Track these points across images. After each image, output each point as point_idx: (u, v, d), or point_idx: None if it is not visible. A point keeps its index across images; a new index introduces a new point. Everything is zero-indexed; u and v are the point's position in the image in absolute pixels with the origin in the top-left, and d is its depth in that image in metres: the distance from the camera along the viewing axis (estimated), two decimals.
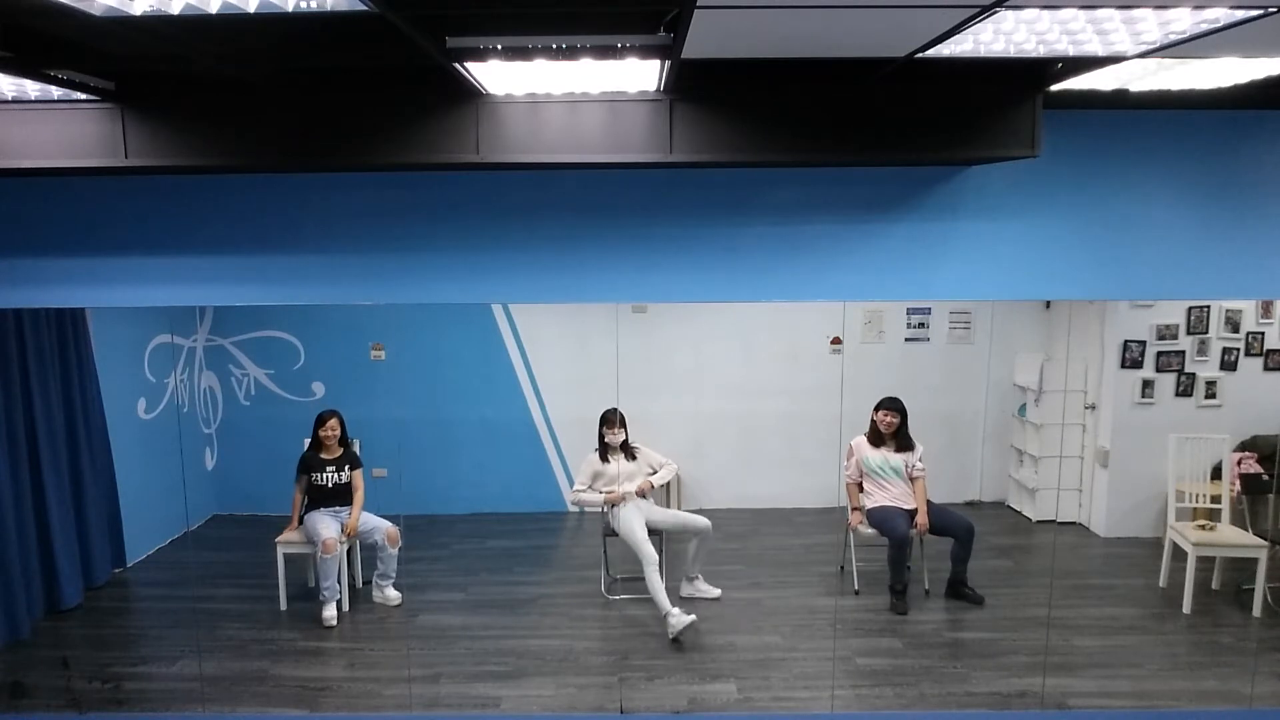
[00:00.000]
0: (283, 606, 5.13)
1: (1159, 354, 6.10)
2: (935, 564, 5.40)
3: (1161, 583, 5.39)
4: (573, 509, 6.96)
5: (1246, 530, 5.26)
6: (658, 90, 2.94)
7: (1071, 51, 2.42)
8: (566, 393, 6.83)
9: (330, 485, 5.25)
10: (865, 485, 5.43)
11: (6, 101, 2.99)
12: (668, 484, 6.51)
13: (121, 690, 4.30)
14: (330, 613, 4.97)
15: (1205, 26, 2.12)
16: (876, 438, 5.40)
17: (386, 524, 5.28)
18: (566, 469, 6.94)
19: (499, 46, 2.37)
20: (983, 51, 2.40)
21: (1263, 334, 6.08)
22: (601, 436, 5.36)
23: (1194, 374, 6.11)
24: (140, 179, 3.48)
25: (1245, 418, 6.01)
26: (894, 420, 5.34)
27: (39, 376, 4.91)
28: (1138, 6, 1.98)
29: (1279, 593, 5.04)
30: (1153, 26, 2.15)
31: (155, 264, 3.54)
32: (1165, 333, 6.09)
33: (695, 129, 3.03)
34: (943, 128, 3.08)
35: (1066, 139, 3.42)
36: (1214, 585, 5.33)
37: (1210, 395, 6.12)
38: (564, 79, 2.76)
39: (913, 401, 5.46)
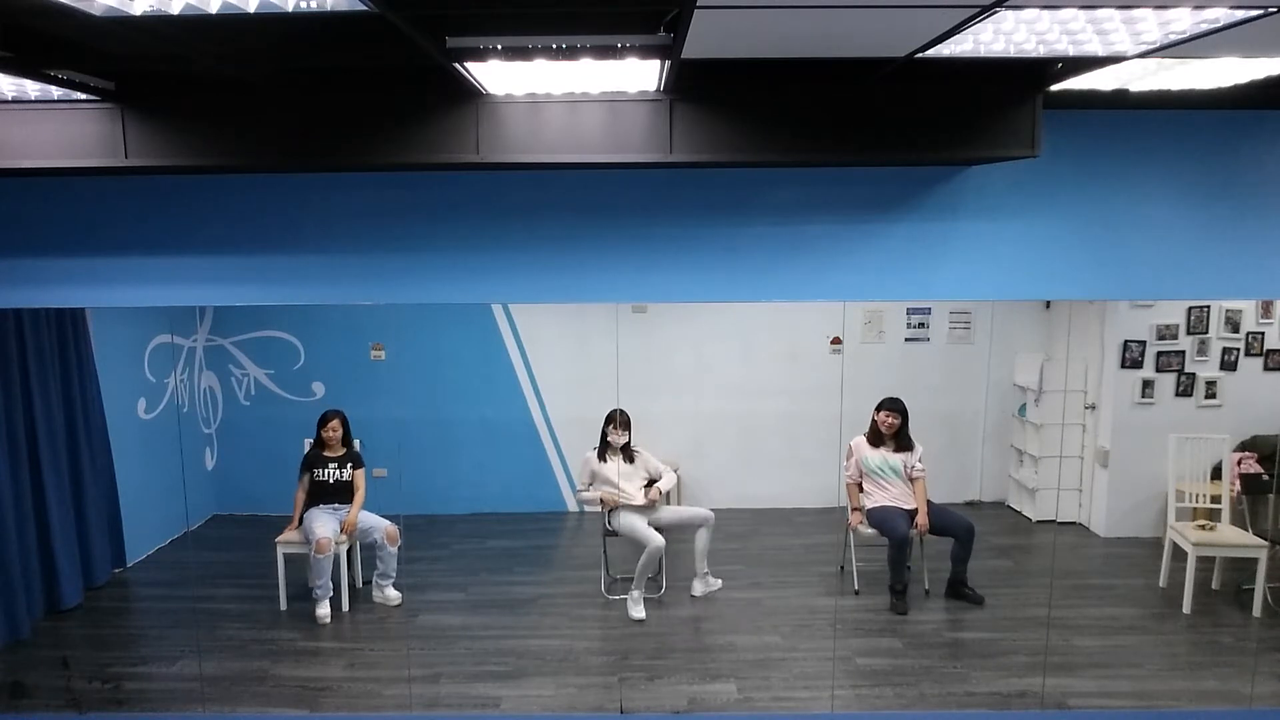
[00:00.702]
0: (283, 606, 5.13)
1: (1159, 354, 6.10)
2: (935, 564, 5.40)
3: (1161, 583, 5.39)
4: (573, 509, 6.97)
5: (1246, 530, 5.26)
6: (658, 90, 2.94)
7: (1071, 51, 2.42)
8: (566, 393, 6.83)
9: (331, 481, 5.26)
10: (865, 485, 5.43)
11: (6, 101, 2.99)
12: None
13: (121, 690, 4.30)
14: (323, 611, 4.98)
15: (1205, 26, 2.12)
16: (876, 438, 5.40)
17: (385, 523, 5.28)
18: (566, 469, 6.94)
19: (499, 46, 2.37)
20: (983, 51, 2.40)
21: (1263, 334, 6.08)
22: (604, 435, 5.34)
23: (1194, 374, 6.11)
24: (140, 179, 3.48)
25: (1245, 418, 6.01)
26: (895, 421, 5.34)
27: (39, 376, 4.91)
28: (1138, 6, 1.98)
29: (1279, 593, 5.04)
30: (1153, 26, 2.15)
31: (155, 264, 3.54)
32: (1165, 333, 6.09)
33: (695, 129, 3.03)
34: (943, 128, 3.07)
35: (1066, 139, 3.42)
36: (1214, 585, 5.33)
37: (1210, 395, 6.12)
38: (564, 79, 2.76)
39: (913, 401, 5.46)
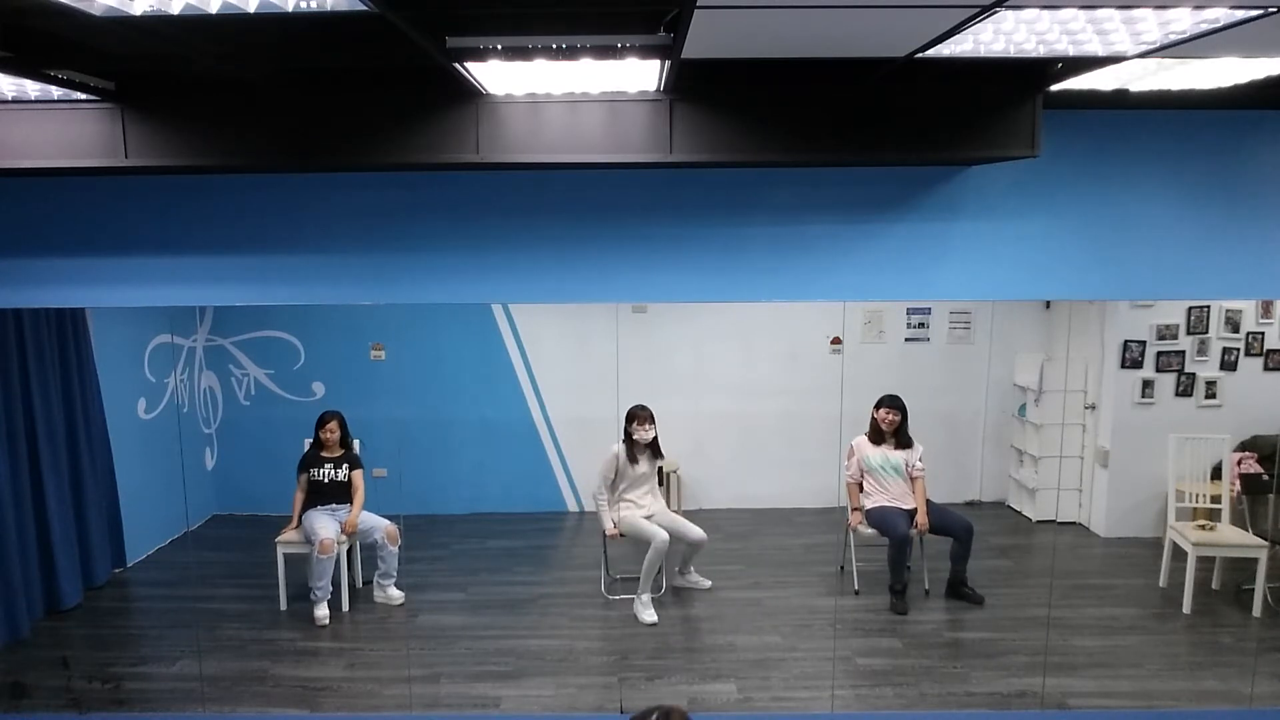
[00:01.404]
0: (283, 606, 5.13)
1: (1159, 354, 6.10)
2: (935, 564, 5.40)
3: (1161, 583, 5.39)
4: (573, 509, 6.97)
5: (1246, 530, 5.25)
6: (658, 90, 2.94)
7: (1071, 51, 2.42)
8: (566, 393, 6.83)
9: (327, 481, 5.26)
10: (865, 485, 5.43)
11: (6, 101, 2.99)
12: (668, 484, 6.52)
13: (121, 690, 4.30)
14: (322, 612, 4.98)
15: (1205, 26, 2.12)
16: (877, 436, 5.40)
17: (386, 523, 5.28)
18: (566, 469, 6.94)
19: (499, 46, 2.37)
20: (983, 51, 2.40)
21: (1263, 334, 6.08)
22: (629, 433, 5.22)
23: (1194, 374, 6.11)
24: (140, 179, 3.48)
25: (1245, 418, 6.01)
26: (895, 418, 5.35)
27: (39, 376, 4.91)
28: (1138, 6, 1.98)
29: (1279, 593, 5.04)
30: (1153, 26, 2.15)
31: (155, 264, 3.54)
32: (1165, 333, 6.09)
33: (695, 129, 3.03)
34: (943, 128, 3.08)
35: (1066, 139, 3.42)
36: (1214, 585, 5.33)
37: (1210, 395, 6.12)
38: (564, 79, 2.76)
39: (913, 401, 5.46)
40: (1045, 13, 2.05)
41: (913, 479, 5.34)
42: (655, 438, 5.28)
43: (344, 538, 5.18)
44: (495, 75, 2.70)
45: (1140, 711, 4.06)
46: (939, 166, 3.47)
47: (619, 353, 6.50)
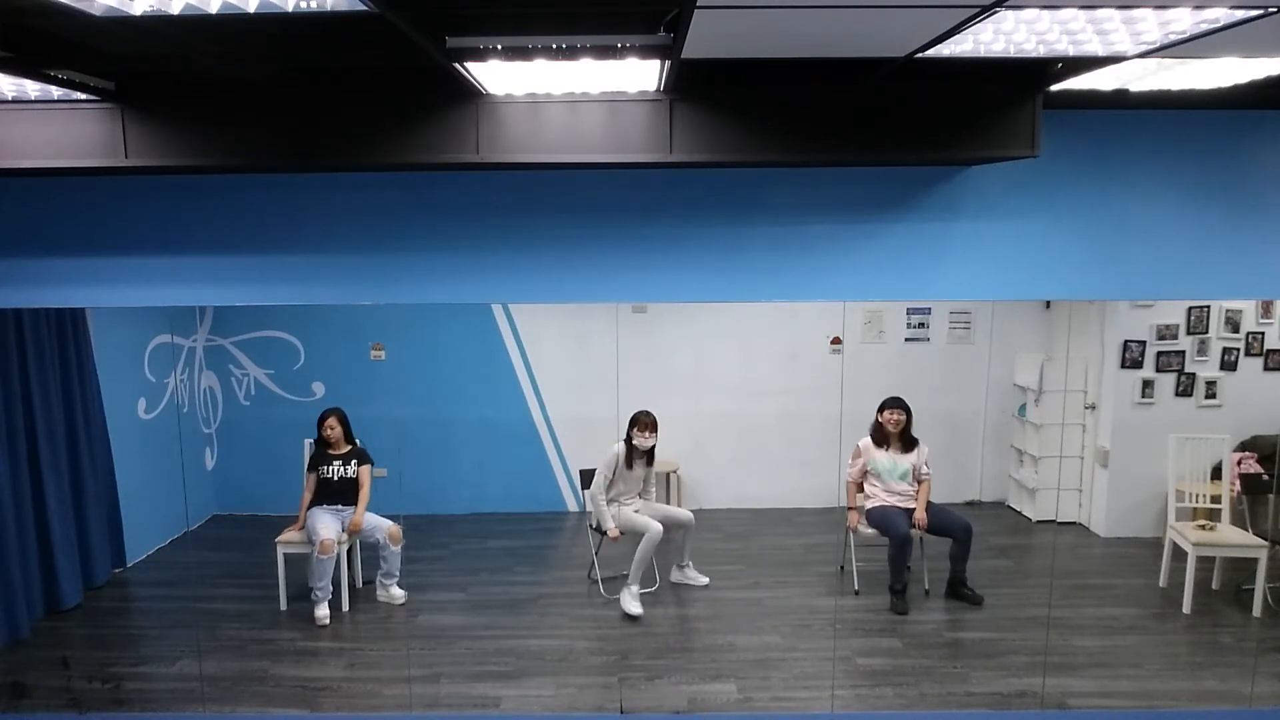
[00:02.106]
0: (283, 606, 5.13)
1: (1159, 354, 6.10)
2: (935, 564, 5.40)
3: (1161, 583, 5.39)
4: (573, 509, 6.97)
5: (1246, 530, 5.25)
6: (658, 90, 2.94)
7: (1071, 51, 2.42)
8: (566, 393, 6.83)
9: (336, 479, 5.26)
10: (866, 486, 5.43)
11: (6, 101, 2.99)
12: (666, 482, 6.52)
13: (121, 690, 4.30)
14: (322, 612, 4.98)
15: (1205, 26, 2.12)
16: (881, 438, 5.40)
17: (388, 523, 5.28)
18: (566, 469, 6.94)
19: (499, 46, 2.37)
20: (983, 51, 2.40)
21: (1263, 334, 6.08)
22: (630, 438, 5.24)
23: (1194, 374, 6.11)
24: (140, 179, 3.48)
25: (1245, 418, 6.01)
26: (901, 419, 5.34)
27: (39, 376, 4.91)
28: (1138, 6, 1.98)
29: (1279, 593, 5.04)
30: (1153, 26, 2.15)
31: (155, 264, 3.54)
32: (1165, 333, 6.09)
33: (695, 129, 3.03)
34: (943, 128, 3.07)
35: (1066, 139, 3.42)
36: (1214, 585, 5.33)
37: (1210, 395, 6.12)
38: (564, 79, 2.76)
39: (913, 401, 5.45)
40: (1045, 13, 2.05)
41: (919, 482, 5.33)
42: (653, 447, 5.29)
43: (344, 538, 5.18)
44: (495, 75, 2.70)
45: (1140, 711, 4.06)
46: (939, 166, 3.47)
47: (619, 353, 6.50)
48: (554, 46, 2.37)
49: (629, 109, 3.01)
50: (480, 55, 2.43)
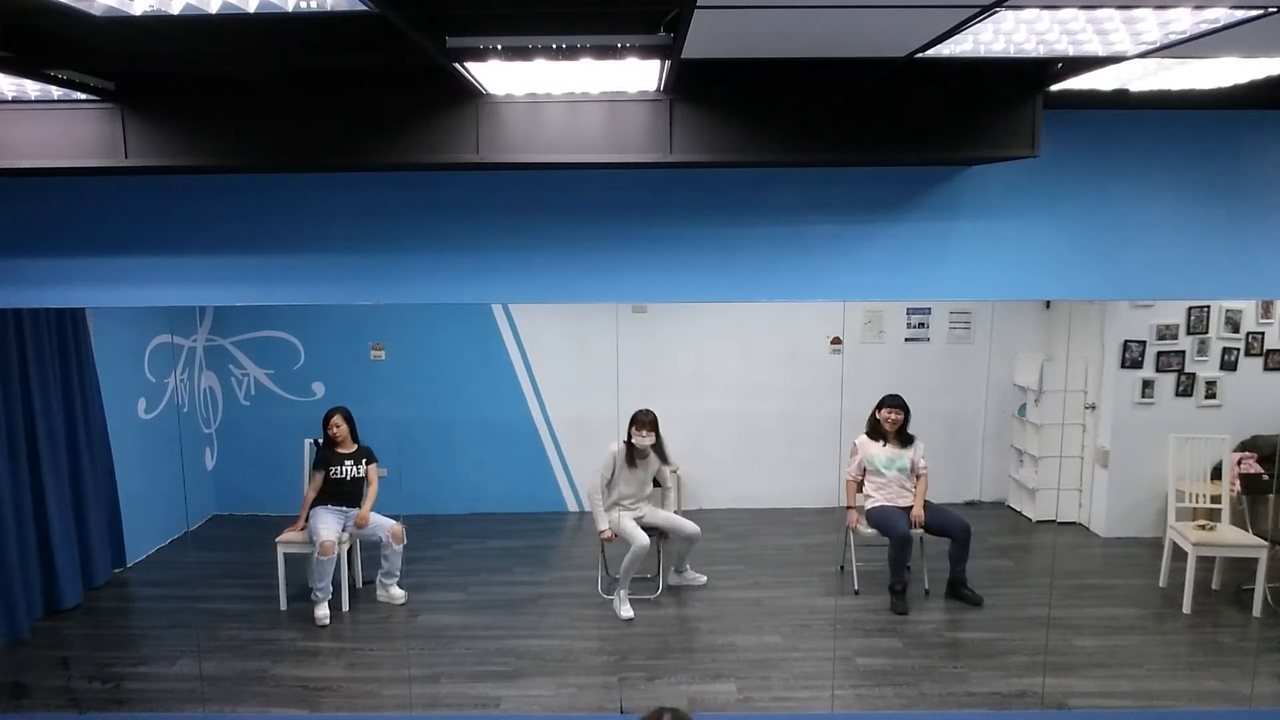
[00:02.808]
0: (283, 606, 5.13)
1: (1159, 354, 6.10)
2: (935, 564, 5.40)
3: (1161, 583, 5.39)
4: (573, 509, 6.97)
5: (1246, 530, 5.26)
6: (658, 90, 2.94)
7: (1071, 51, 2.42)
8: (566, 393, 6.83)
9: (348, 479, 5.27)
10: (865, 485, 5.44)
11: (6, 101, 2.99)
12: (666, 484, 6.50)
13: (121, 690, 4.30)
14: (323, 612, 4.98)
15: (1205, 26, 2.12)
16: (877, 434, 5.41)
17: (391, 522, 5.28)
18: (566, 469, 6.94)
19: (499, 46, 2.37)
20: (983, 51, 2.40)
21: (1263, 334, 6.08)
22: (629, 437, 5.23)
23: (1194, 374, 6.11)
24: (140, 179, 3.48)
25: (1245, 418, 6.01)
26: (898, 417, 5.35)
27: (39, 376, 4.91)
28: (1138, 6, 1.98)
29: (1279, 593, 5.04)
30: (1153, 26, 2.15)
31: (155, 264, 3.54)
32: (1165, 333, 6.09)
33: (695, 129, 3.03)
34: (943, 128, 3.07)
35: (1066, 139, 3.42)
36: (1214, 585, 5.33)
37: (1210, 395, 6.12)
38: (564, 79, 2.75)
39: (913, 401, 5.46)
40: (1045, 13, 2.05)
41: (917, 476, 5.34)
42: (660, 443, 5.26)
43: (346, 538, 5.18)
44: (495, 75, 2.70)
45: (1140, 711, 4.06)
46: (939, 166, 3.47)
47: (619, 353, 6.50)
48: (554, 46, 2.36)
49: (629, 109, 3.01)
50: (480, 55, 2.43)
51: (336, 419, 5.31)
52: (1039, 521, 6.59)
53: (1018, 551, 6.16)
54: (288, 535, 5.20)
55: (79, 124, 3.03)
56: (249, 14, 1.96)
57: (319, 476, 5.28)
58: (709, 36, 2.24)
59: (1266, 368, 6.11)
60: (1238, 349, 6.10)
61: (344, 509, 5.26)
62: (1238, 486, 5.44)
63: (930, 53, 2.41)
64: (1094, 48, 2.37)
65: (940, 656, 4.56)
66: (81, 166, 3.08)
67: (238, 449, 6.87)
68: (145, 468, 5.94)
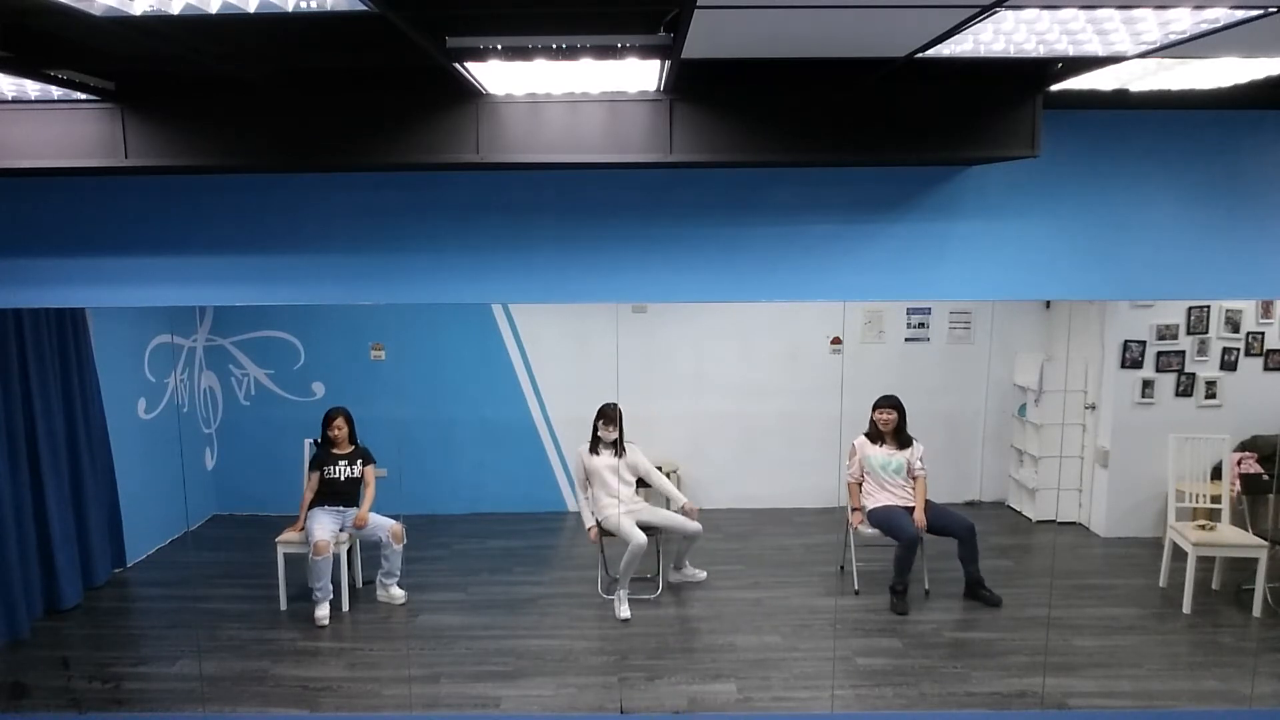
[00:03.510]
0: (283, 606, 5.13)
1: (1159, 354, 6.10)
2: (935, 564, 5.40)
3: (1161, 583, 5.39)
4: (573, 509, 6.97)
5: (1246, 530, 5.26)
6: (658, 90, 2.94)
7: (1071, 51, 2.42)
8: (566, 393, 6.83)
9: (343, 479, 5.27)
10: (865, 485, 5.44)
11: (6, 101, 2.99)
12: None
13: (121, 690, 4.30)
14: (322, 612, 4.98)
15: (1205, 26, 2.12)
16: (876, 436, 5.41)
17: (391, 522, 5.28)
18: (566, 469, 6.94)
19: (499, 46, 2.37)
20: (983, 51, 2.40)
21: (1263, 334, 6.08)
22: (595, 430, 5.32)
23: (1194, 374, 6.11)
24: (140, 179, 3.49)
25: (1245, 418, 6.01)
26: (891, 418, 5.36)
27: (39, 376, 4.91)
28: (1138, 6, 1.98)
29: (1279, 593, 5.04)
30: (1153, 26, 2.15)
31: (155, 264, 3.54)
32: (1165, 333, 6.09)
33: (695, 129, 3.03)
34: (943, 128, 3.07)
35: (1066, 139, 3.42)
36: (1214, 585, 5.33)
37: (1210, 395, 6.12)
38: (564, 79, 2.76)
39: (913, 401, 5.46)
40: (1045, 13, 2.05)
41: (914, 477, 5.34)
42: (618, 439, 5.26)
43: (343, 537, 5.18)
44: (495, 75, 2.70)
45: (1140, 711, 4.06)
46: (939, 166, 3.47)
47: (619, 353, 6.50)
48: (554, 46, 2.37)
49: (629, 109, 3.02)
50: (480, 55, 2.43)
51: (339, 420, 5.32)
52: (1039, 521, 6.59)
53: (1018, 551, 6.16)
54: (287, 535, 5.20)
55: (79, 124, 3.03)
56: (249, 14, 1.96)
57: (314, 476, 5.29)
58: (709, 36, 2.24)
59: (1266, 368, 6.11)
60: (1238, 349, 6.10)
61: (340, 509, 5.25)
62: (1238, 486, 5.44)
63: (930, 53, 2.41)
64: (1094, 48, 2.37)
65: (940, 656, 4.56)
66: (81, 166, 3.08)
67: (238, 449, 6.87)
68: (145, 468, 5.94)
